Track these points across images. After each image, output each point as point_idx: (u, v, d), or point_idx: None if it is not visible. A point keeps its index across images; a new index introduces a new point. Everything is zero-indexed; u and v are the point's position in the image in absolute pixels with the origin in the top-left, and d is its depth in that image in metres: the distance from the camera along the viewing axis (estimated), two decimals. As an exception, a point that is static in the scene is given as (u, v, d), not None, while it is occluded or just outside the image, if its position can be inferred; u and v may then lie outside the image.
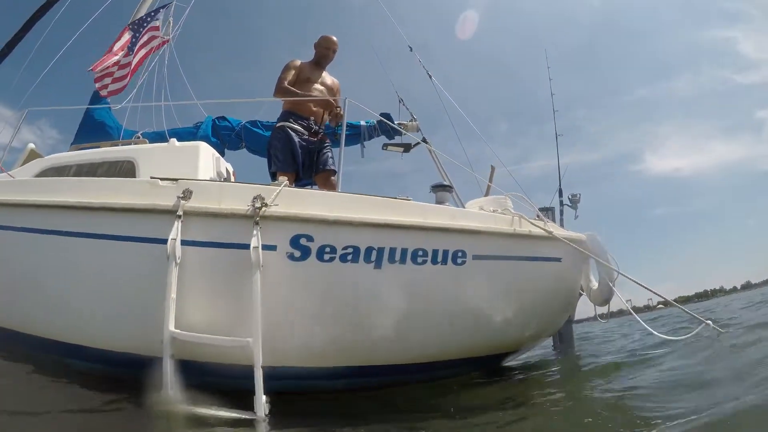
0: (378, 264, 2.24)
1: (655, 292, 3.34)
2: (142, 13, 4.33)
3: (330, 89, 3.43)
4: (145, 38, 4.07)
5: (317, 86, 3.37)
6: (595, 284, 3.32)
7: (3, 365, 2.39)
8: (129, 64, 4.04)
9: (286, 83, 3.26)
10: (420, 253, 2.32)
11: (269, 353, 1.88)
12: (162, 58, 4.27)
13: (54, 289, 2.29)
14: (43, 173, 3.05)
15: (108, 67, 3.95)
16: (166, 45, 4.33)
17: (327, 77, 3.49)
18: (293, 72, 3.33)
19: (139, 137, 3.71)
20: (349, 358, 2.21)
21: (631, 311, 3.04)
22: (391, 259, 2.26)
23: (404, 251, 2.29)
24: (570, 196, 4.15)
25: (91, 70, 3.91)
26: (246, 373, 1.84)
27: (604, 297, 3.19)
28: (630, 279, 3.00)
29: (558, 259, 2.89)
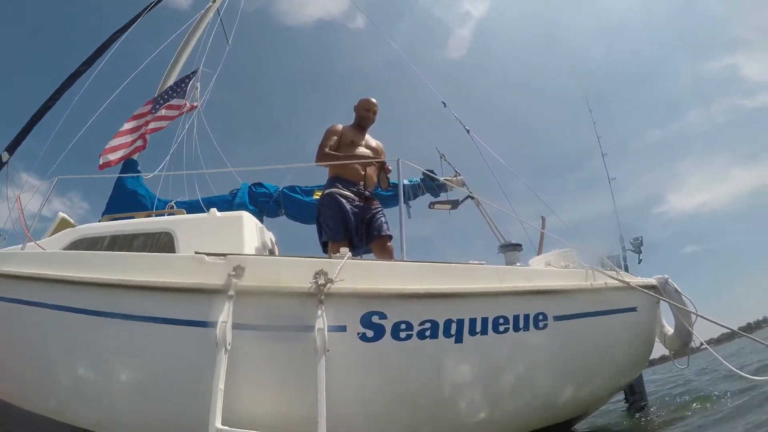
0: (459, 338, 2.03)
1: (738, 331, 3.10)
2: (170, 83, 4.33)
3: (375, 151, 3.30)
4: (163, 111, 4.02)
5: (362, 149, 3.23)
6: (669, 330, 3.11)
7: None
8: (138, 129, 3.96)
9: (327, 149, 3.12)
10: (501, 320, 2.12)
11: None
12: (191, 126, 4.21)
13: (78, 372, 2.07)
14: (74, 244, 2.85)
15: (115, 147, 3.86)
16: (194, 111, 4.27)
17: (371, 140, 3.38)
18: (335, 137, 3.19)
19: (173, 207, 3.58)
20: None
21: (716, 354, 2.80)
22: (472, 331, 2.06)
23: (485, 320, 2.08)
24: (632, 240, 3.93)
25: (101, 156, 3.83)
26: None
27: (682, 341, 2.96)
28: (710, 321, 2.80)
29: (633, 309, 2.69)
